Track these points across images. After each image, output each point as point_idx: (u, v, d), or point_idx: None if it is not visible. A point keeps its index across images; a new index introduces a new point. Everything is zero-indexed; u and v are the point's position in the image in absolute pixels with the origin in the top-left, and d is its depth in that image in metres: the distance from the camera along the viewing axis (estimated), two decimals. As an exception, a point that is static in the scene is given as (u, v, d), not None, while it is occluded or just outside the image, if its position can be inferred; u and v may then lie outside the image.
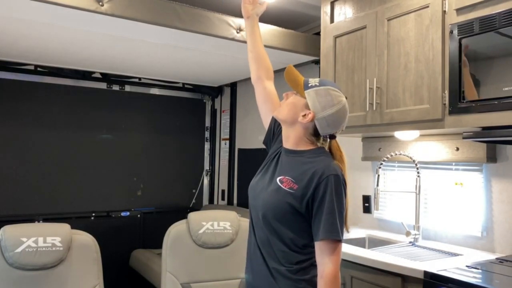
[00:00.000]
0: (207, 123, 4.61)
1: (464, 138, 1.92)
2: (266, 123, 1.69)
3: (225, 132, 4.45)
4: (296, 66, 3.33)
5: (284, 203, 1.39)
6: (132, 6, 2.25)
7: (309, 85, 1.46)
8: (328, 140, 1.50)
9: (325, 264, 1.34)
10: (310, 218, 1.39)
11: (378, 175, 2.42)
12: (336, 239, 1.34)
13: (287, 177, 1.43)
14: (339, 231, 1.35)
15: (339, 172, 1.39)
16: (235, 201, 4.26)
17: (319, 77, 2.75)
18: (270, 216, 1.41)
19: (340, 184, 1.38)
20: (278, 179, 1.45)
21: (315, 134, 1.47)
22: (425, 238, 2.47)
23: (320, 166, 1.39)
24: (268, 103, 1.67)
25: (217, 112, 4.62)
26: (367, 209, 2.83)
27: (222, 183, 4.49)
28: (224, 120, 4.48)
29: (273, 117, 1.64)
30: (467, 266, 1.85)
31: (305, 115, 1.43)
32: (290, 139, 1.49)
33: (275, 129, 1.64)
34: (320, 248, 1.36)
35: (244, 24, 2.65)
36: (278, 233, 1.41)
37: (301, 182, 1.39)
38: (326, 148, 1.50)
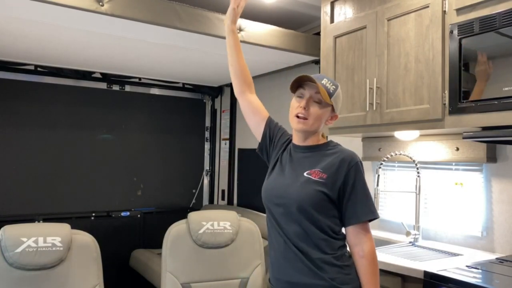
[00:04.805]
0: (207, 123, 4.61)
1: (464, 138, 1.92)
2: (258, 133, 1.73)
3: (225, 132, 4.45)
4: (296, 66, 3.35)
5: (317, 192, 1.45)
6: (132, 6, 2.25)
7: (331, 90, 1.54)
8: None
9: (363, 243, 1.45)
10: (340, 204, 1.48)
11: (378, 175, 2.42)
12: (377, 217, 1.49)
13: (314, 169, 1.49)
14: (376, 209, 1.50)
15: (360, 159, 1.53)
16: (235, 201, 4.26)
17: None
18: (307, 206, 1.45)
19: (363, 170, 1.52)
20: (305, 173, 1.50)
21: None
22: (425, 238, 2.47)
23: (345, 154, 1.50)
24: (257, 115, 1.72)
25: (217, 112, 4.62)
26: (367, 209, 2.83)
27: (222, 183, 4.49)
28: (224, 120, 4.48)
29: (267, 125, 1.70)
30: (467, 266, 1.85)
31: (331, 118, 1.58)
32: (310, 139, 1.57)
33: (271, 135, 1.69)
34: (357, 230, 1.46)
35: (243, 24, 2.66)
36: (316, 222, 1.45)
37: (330, 170, 1.47)
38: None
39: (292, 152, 1.59)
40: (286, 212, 1.49)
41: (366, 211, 1.46)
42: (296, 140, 1.60)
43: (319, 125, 1.54)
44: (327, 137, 1.64)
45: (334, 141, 1.60)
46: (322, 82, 1.53)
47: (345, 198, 1.46)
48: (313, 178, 1.47)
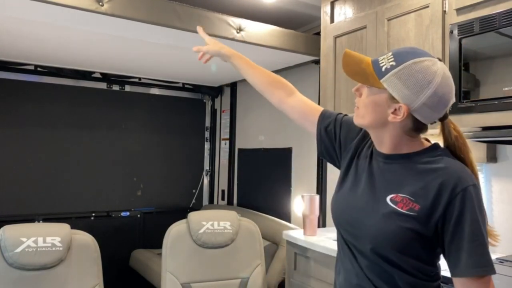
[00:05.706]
0: (207, 123, 4.61)
1: (464, 138, 1.92)
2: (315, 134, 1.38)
3: (225, 132, 4.45)
4: (296, 66, 3.34)
5: (405, 230, 1.05)
6: (132, 6, 2.25)
7: (383, 69, 1.06)
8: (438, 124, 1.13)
9: None
10: (438, 240, 1.06)
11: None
12: (489, 274, 1.02)
13: (401, 195, 1.07)
14: (492, 262, 1.02)
15: (476, 181, 1.06)
16: (235, 201, 4.26)
17: (320, 77, 2.74)
18: (387, 248, 1.07)
19: (481, 197, 1.05)
20: (388, 198, 1.08)
21: (418, 127, 1.09)
22: (425, 238, 2.47)
23: (449, 174, 1.04)
24: (308, 118, 1.36)
25: (217, 112, 4.62)
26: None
27: (222, 183, 4.49)
28: (224, 120, 4.48)
29: (319, 123, 1.32)
30: (467, 266, 1.84)
31: (395, 111, 1.06)
32: (386, 142, 1.12)
33: (331, 134, 1.30)
34: (465, 285, 1.04)
35: (243, 24, 2.66)
36: (399, 264, 1.08)
37: (424, 199, 1.04)
38: (441, 140, 1.14)
39: (374, 157, 1.17)
40: (359, 245, 1.14)
41: (474, 263, 1.00)
42: (375, 143, 1.18)
43: (372, 117, 1.09)
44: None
45: (438, 146, 1.12)
46: (378, 57, 1.10)
47: (446, 237, 1.03)
48: (399, 210, 1.05)
